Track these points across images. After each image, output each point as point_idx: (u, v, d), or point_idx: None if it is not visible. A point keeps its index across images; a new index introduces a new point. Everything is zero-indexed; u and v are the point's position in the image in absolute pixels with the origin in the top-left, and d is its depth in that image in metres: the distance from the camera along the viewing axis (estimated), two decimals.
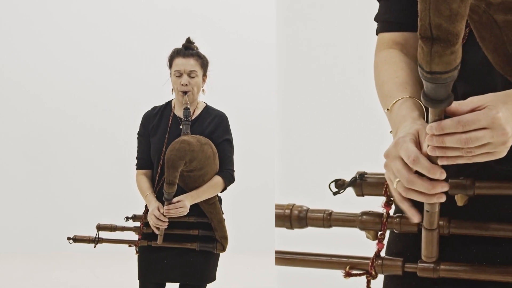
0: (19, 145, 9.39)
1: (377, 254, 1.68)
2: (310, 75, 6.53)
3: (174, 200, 3.45)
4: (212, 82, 8.87)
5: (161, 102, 3.83)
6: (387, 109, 1.64)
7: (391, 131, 1.64)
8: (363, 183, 1.71)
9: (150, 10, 9.35)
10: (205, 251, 3.60)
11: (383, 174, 1.68)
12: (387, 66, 1.72)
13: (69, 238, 3.68)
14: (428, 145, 1.38)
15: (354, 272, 1.69)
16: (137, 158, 3.76)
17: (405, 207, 1.49)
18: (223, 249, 3.63)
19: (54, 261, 8.44)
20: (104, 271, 7.73)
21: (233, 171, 3.70)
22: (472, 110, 1.35)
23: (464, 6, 1.17)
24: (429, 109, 1.35)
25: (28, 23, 9.39)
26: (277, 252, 1.80)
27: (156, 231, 3.52)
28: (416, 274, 1.66)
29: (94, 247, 3.75)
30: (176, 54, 3.67)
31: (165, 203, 3.46)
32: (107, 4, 9.42)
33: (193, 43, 3.76)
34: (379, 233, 1.68)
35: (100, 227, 3.72)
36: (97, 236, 3.70)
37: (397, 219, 1.69)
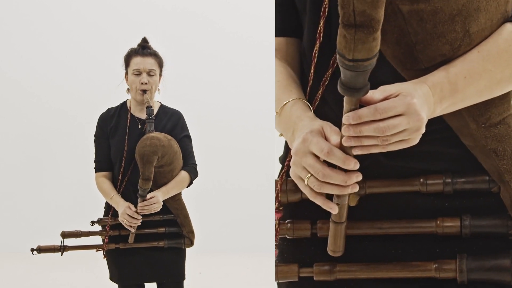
0: (19, 145, 9.42)
1: None
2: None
3: (148, 196, 3.49)
4: (212, 82, 8.89)
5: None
6: (276, 113, 1.65)
7: (280, 135, 1.64)
8: None
9: (150, 10, 9.35)
10: (176, 248, 3.65)
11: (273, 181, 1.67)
12: None
13: (32, 250, 3.64)
14: (342, 136, 1.40)
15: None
16: (95, 161, 3.78)
17: (320, 201, 1.50)
18: (191, 244, 3.69)
19: (54, 261, 8.44)
20: (104, 271, 7.73)
21: (196, 165, 3.76)
22: (386, 98, 1.38)
23: None
24: (344, 98, 1.36)
25: (28, 23, 9.42)
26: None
27: (132, 230, 3.53)
28: (313, 278, 1.66)
29: (61, 255, 3.72)
30: (133, 53, 3.70)
31: (139, 199, 3.49)
32: (107, 4, 9.43)
33: (149, 42, 3.75)
34: None
35: (65, 235, 3.70)
36: (62, 244, 3.68)
37: (289, 225, 1.68)
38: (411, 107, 1.36)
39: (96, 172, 3.76)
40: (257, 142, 9.28)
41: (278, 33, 1.77)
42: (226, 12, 9.45)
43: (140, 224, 3.52)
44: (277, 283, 1.73)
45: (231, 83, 9.36)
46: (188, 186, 3.71)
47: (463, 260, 1.56)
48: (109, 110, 3.80)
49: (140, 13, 9.35)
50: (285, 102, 1.63)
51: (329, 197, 1.51)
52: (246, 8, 9.38)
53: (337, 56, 1.27)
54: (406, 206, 1.63)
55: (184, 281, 3.76)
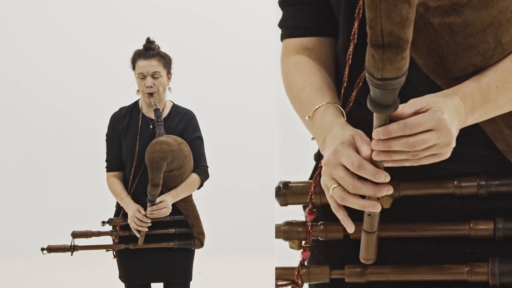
0: (19, 145, 9.41)
1: (302, 263, 1.67)
2: None
3: (157, 200, 3.47)
4: (212, 82, 8.90)
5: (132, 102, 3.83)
6: (308, 117, 1.64)
7: (312, 138, 1.63)
8: (287, 192, 1.69)
9: (150, 10, 9.35)
10: (184, 249, 3.64)
11: (307, 182, 1.67)
12: (299, 73, 1.72)
13: (43, 249, 3.63)
14: (372, 150, 1.39)
15: (280, 283, 1.67)
16: (107, 160, 3.75)
17: (341, 216, 1.51)
18: (201, 245, 3.69)
19: (54, 261, 8.43)
20: (104, 271, 7.73)
21: (207, 167, 3.74)
22: (416, 112, 1.37)
23: (412, 11, 1.19)
24: (374, 114, 1.36)
25: (28, 23, 9.40)
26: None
27: (137, 234, 3.53)
28: (344, 280, 1.66)
29: (71, 255, 3.72)
30: (137, 56, 3.64)
31: (148, 204, 3.47)
32: (107, 4, 9.42)
33: (154, 42, 3.70)
34: (303, 242, 1.66)
35: (75, 234, 3.69)
36: (72, 244, 3.67)
37: (322, 227, 1.67)
38: (441, 123, 1.35)
39: (107, 171, 3.73)
40: (257, 142, 9.28)
41: (312, 33, 1.75)
42: (226, 12, 9.45)
43: (147, 229, 3.52)
44: (309, 284, 1.73)
45: (231, 83, 9.36)
46: (199, 188, 3.70)
47: (496, 263, 1.56)
48: (121, 109, 3.78)
49: (140, 13, 9.34)
50: (317, 107, 1.62)
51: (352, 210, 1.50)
52: (246, 8, 9.38)
53: (366, 74, 1.26)
54: (439, 209, 1.63)
55: None
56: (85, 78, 9.40)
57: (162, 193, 3.52)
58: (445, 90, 1.47)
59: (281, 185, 1.68)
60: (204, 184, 3.75)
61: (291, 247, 1.67)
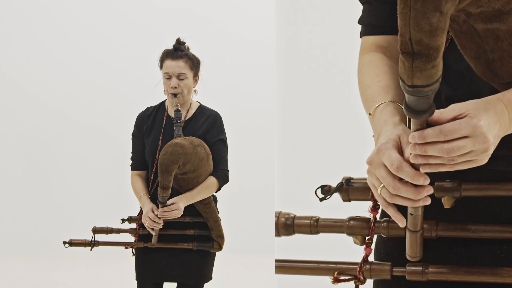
0: (19, 145, 9.39)
1: (365, 259, 1.68)
2: (309, 75, 6.53)
3: (169, 202, 3.46)
4: (212, 82, 8.89)
5: (159, 102, 3.83)
6: (369, 114, 1.65)
7: (373, 135, 1.65)
8: (349, 188, 1.71)
9: (150, 10, 9.34)
10: (202, 251, 3.61)
11: None
12: (370, 70, 1.73)
13: (64, 242, 3.65)
14: (410, 153, 1.39)
15: (342, 277, 1.68)
16: (131, 159, 3.76)
17: (391, 212, 1.51)
18: (220, 248, 3.65)
19: (53, 261, 8.44)
20: (104, 271, 7.74)
21: (227, 171, 3.70)
22: (454, 118, 1.36)
23: (444, 20, 1.17)
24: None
25: (28, 23, 9.39)
26: (277, 261, 1.79)
27: (152, 232, 3.53)
28: (405, 278, 1.67)
29: (91, 250, 3.74)
30: (165, 56, 3.64)
31: (160, 206, 3.47)
32: (106, 4, 9.41)
33: (184, 43, 3.71)
34: (367, 238, 1.68)
35: (96, 230, 3.71)
36: (93, 239, 3.69)
37: (384, 224, 1.69)
38: (476, 130, 1.33)
39: (131, 170, 3.75)
40: (257, 142, 9.29)
41: (388, 31, 1.76)
42: (226, 12, 9.46)
43: (161, 227, 3.52)
44: (373, 280, 1.74)
45: (231, 83, 9.37)
46: (217, 191, 3.68)
47: None
48: (147, 109, 3.79)
49: (140, 13, 9.33)
50: (377, 104, 1.62)
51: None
52: (246, 8, 9.40)
53: (399, 79, 1.25)
54: (501, 211, 1.64)
55: None
56: (85, 78, 9.38)
57: (179, 193, 3.52)
58: (490, 96, 1.45)
59: (343, 181, 1.70)
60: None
61: (354, 242, 1.68)
